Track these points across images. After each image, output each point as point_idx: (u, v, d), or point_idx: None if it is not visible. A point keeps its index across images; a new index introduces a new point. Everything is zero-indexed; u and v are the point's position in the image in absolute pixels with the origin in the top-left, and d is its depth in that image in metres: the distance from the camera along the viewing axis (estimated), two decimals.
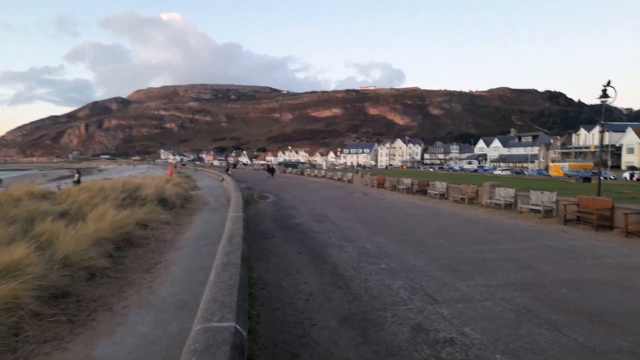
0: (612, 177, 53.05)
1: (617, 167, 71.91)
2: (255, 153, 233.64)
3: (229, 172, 43.99)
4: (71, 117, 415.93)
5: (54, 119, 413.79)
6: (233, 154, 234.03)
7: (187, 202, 19.49)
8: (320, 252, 9.96)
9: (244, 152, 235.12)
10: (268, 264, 8.75)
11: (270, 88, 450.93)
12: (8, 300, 4.94)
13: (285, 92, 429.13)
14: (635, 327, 5.31)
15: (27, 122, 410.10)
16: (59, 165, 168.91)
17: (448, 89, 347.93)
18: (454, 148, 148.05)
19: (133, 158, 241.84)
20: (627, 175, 55.62)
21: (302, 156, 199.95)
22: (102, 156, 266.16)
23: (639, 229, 11.83)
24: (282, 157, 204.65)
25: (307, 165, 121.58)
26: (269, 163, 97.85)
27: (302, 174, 71.30)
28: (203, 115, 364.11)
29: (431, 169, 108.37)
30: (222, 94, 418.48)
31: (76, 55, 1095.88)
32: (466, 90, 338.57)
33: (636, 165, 69.20)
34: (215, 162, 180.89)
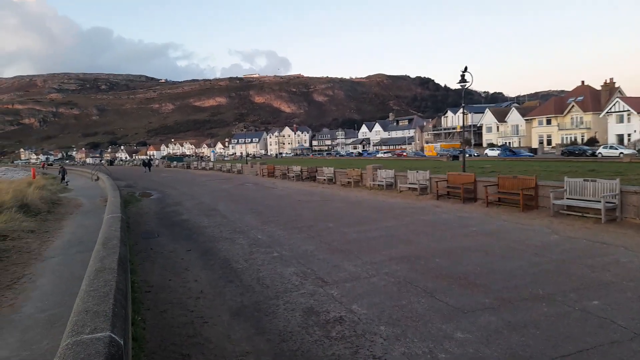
0: (475, 154, 60.01)
1: (479, 144, 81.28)
2: (135, 147, 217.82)
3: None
4: None
5: None
6: (109, 150, 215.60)
7: (56, 206, 17.52)
8: (211, 247, 9.69)
9: (122, 147, 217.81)
10: (153, 264, 8.26)
11: (146, 77, 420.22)
12: None
13: (163, 80, 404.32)
14: (494, 286, 6.07)
15: None
16: None
17: (330, 75, 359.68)
18: (340, 134, 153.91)
19: None
20: (487, 151, 62.99)
21: (187, 148, 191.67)
22: None
23: (497, 199, 13.53)
24: (165, 150, 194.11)
25: (194, 157, 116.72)
26: (146, 157, 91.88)
27: (188, 167, 68.57)
28: (69, 108, 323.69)
29: (319, 155, 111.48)
30: (90, 84, 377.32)
31: None
32: (347, 77, 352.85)
33: (494, 142, 78.75)
34: (89, 160, 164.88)
